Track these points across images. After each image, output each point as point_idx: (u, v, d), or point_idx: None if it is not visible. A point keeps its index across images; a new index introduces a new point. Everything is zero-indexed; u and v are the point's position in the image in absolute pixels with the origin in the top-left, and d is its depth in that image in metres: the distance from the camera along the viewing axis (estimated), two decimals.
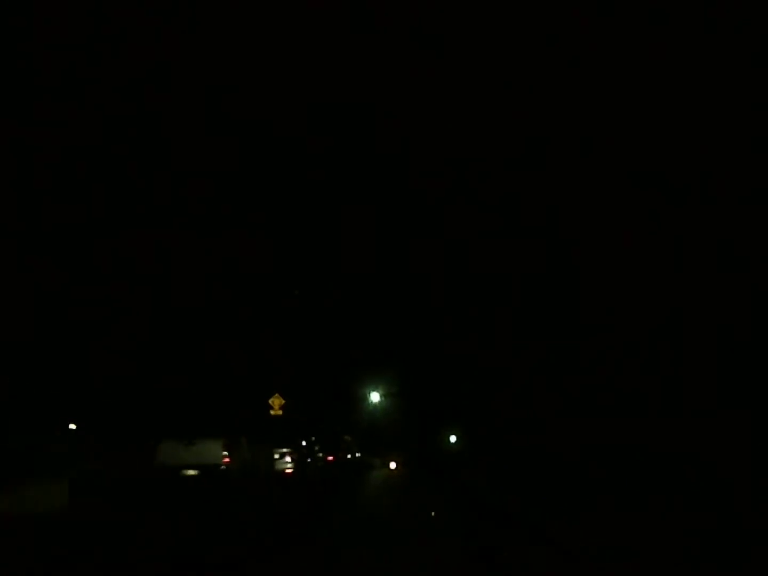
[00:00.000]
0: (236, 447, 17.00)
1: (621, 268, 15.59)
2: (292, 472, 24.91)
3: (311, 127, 18.14)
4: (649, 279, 15.03)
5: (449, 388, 34.13)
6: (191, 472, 15.31)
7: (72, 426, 20.64)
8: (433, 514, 12.76)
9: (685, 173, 13.80)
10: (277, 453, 24.64)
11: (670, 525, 8.84)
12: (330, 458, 39.57)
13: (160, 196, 16.86)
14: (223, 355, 22.03)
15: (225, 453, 15.67)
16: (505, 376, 23.39)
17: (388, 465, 42.51)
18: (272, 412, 22.50)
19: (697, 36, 12.40)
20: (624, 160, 14.79)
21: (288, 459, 25.29)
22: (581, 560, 7.21)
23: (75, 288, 16.10)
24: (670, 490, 11.70)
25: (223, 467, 15.48)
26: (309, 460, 31.74)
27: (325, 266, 27.21)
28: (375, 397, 44.19)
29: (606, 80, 14.27)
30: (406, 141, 18.77)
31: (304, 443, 35.07)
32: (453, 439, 45.24)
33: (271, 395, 22.05)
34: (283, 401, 22.62)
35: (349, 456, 47.39)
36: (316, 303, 29.26)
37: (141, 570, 7.17)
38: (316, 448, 37.60)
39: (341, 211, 23.73)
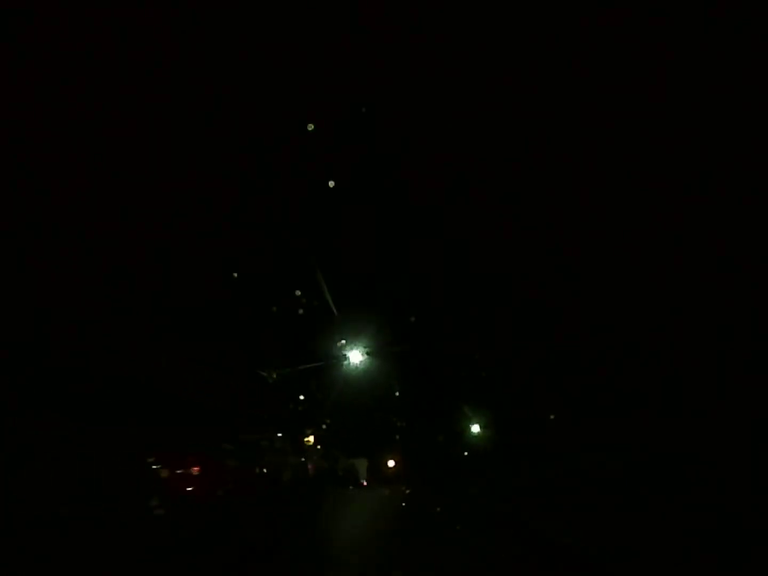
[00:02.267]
0: None
1: (621, 267, 15.60)
2: None
3: (311, 127, 18.10)
4: (649, 279, 15.03)
5: (450, 387, 33.89)
6: None
7: None
8: None
9: (686, 172, 13.80)
10: None
11: (670, 525, 8.83)
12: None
13: (159, 195, 16.84)
14: (223, 355, 21.98)
15: None
16: (505, 376, 23.39)
17: (386, 463, 31.68)
18: None
19: (698, 35, 12.40)
20: (625, 159, 14.78)
21: None
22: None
23: (75, 288, 16.09)
24: (670, 490, 11.70)
25: None
26: None
27: (325, 266, 27.15)
28: (355, 356, 26.17)
29: (606, 80, 14.27)
30: (406, 141, 18.75)
31: None
32: (476, 429, 31.91)
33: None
34: None
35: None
36: (315, 303, 29.21)
37: None
38: None
39: (341, 211, 23.70)
